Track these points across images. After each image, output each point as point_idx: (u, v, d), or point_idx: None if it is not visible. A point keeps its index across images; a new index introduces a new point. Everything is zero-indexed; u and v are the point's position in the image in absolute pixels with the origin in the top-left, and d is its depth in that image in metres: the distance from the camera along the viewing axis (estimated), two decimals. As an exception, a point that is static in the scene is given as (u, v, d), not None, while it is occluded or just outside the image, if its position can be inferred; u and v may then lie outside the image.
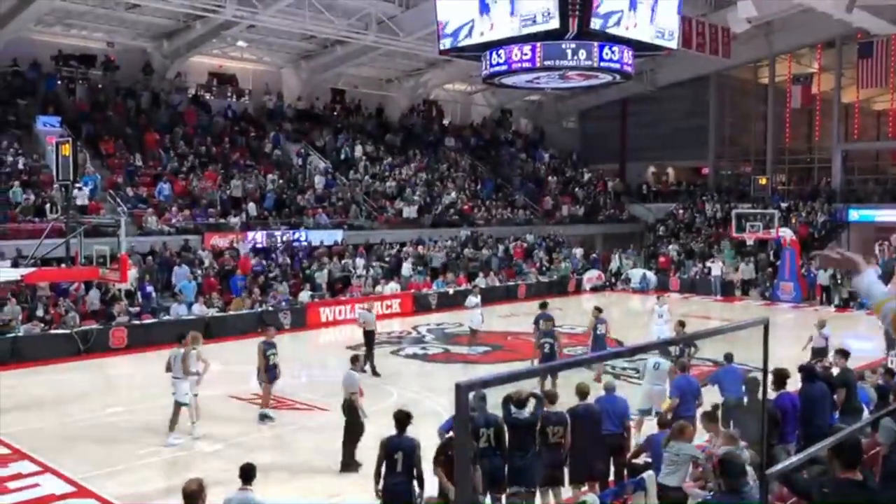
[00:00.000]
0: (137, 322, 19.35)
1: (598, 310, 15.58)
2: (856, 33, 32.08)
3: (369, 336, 16.42)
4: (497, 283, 27.83)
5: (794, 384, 8.96)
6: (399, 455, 7.38)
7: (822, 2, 25.98)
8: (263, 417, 12.56)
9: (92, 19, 26.45)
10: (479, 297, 19.26)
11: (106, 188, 24.17)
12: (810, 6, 26.99)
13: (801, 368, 8.97)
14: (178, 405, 11.60)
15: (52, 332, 18.07)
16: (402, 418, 7.66)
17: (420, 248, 28.46)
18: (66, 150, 15.21)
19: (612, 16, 17.31)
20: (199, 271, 22.57)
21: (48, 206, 21.94)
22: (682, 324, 14.16)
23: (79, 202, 20.24)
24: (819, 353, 14.13)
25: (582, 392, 8.54)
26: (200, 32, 27.05)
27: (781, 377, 8.67)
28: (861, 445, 4.71)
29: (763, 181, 34.86)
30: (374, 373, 15.83)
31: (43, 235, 16.48)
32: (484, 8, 17.98)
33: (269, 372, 12.50)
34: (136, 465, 10.47)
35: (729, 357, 10.76)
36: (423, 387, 14.53)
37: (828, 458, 4.55)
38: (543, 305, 15.71)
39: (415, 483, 7.40)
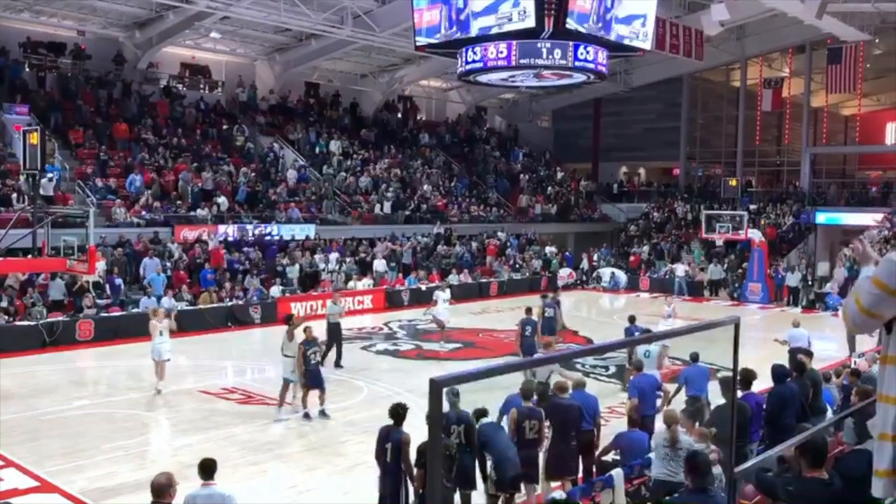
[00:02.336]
0: (104, 314, 19.10)
1: (545, 296, 17.77)
2: (826, 39, 32.57)
3: (334, 328, 16.26)
4: (470, 281, 27.88)
5: (761, 385, 9.08)
6: (388, 446, 7.46)
7: (794, 7, 26.31)
8: (322, 413, 12.32)
9: (62, 6, 25.99)
10: (447, 291, 20.07)
11: (75, 178, 23.81)
12: (782, 11, 27.35)
13: (774, 369, 9.05)
14: (286, 382, 12.32)
15: (17, 323, 17.76)
16: (399, 412, 7.62)
17: (391, 244, 28.41)
18: (34, 138, 14.96)
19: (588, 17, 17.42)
20: (169, 264, 22.33)
21: (14, 195, 21.55)
22: (631, 319, 14.44)
23: (42, 192, 19.84)
24: (797, 353, 14.28)
25: (562, 388, 8.60)
26: (173, 23, 26.68)
27: (747, 378, 8.77)
28: (827, 445, 4.79)
29: (733, 183, 35.29)
30: (338, 364, 15.86)
31: (9, 225, 16.20)
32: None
33: (308, 373, 12.17)
34: (102, 459, 10.33)
35: (695, 356, 10.88)
36: (393, 383, 14.50)
37: (794, 457, 4.62)
38: (545, 297, 17.68)
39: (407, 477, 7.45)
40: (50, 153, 21.13)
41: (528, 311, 15.71)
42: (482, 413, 7.97)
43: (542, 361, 4.35)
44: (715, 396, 9.78)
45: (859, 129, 37.72)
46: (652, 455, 7.45)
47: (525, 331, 15.20)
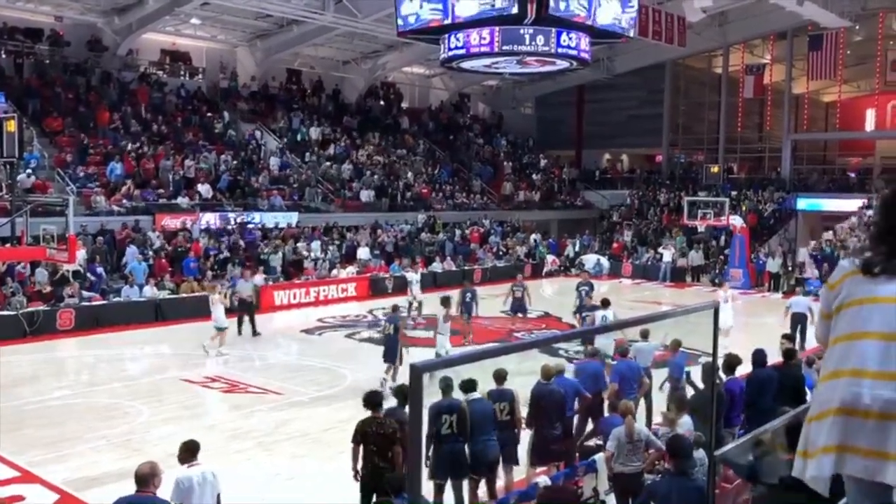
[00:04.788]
0: (86, 304, 18.95)
1: (516, 279, 19.99)
2: (807, 26, 32.73)
3: (244, 304, 17.96)
4: (454, 268, 27.89)
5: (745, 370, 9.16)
6: None
7: (775, -7, 26.44)
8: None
9: (39, -9, 25.65)
10: (417, 273, 21.62)
11: (54, 166, 23.55)
12: (763, -3, 27.47)
13: (754, 354, 9.14)
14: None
15: (-3, 313, 17.61)
16: (405, 392, 7.67)
17: (379, 231, 28.41)
18: (11, 126, 14.73)
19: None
20: (150, 252, 22.15)
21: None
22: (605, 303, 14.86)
23: (21, 187, 19.55)
24: (799, 318, 15.54)
25: (546, 373, 8.63)
26: (153, 8, 26.39)
27: (731, 364, 8.85)
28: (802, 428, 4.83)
29: (715, 169, 35.51)
30: (255, 333, 17.93)
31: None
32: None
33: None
34: (85, 448, 10.29)
35: (676, 344, 10.81)
36: (378, 370, 14.49)
37: (771, 440, 4.67)
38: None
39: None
40: (28, 141, 20.85)
41: (469, 282, 18.26)
42: (470, 385, 7.92)
43: (522, 347, 4.36)
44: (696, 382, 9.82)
45: (840, 116, 37.97)
46: (612, 446, 7.48)
47: (465, 297, 17.65)
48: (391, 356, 13.10)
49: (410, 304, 19.94)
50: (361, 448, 7.26)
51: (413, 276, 20.87)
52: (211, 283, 17.92)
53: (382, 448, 7.14)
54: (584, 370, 9.97)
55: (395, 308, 14.10)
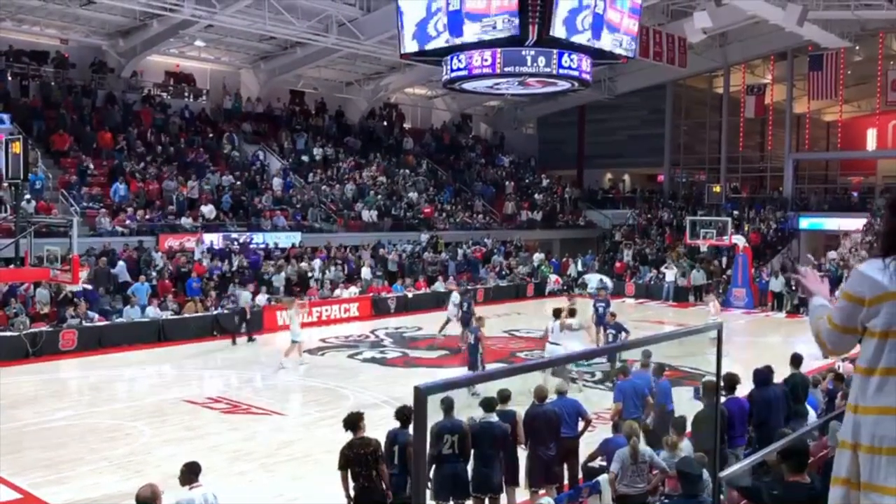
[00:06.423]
0: (88, 324, 18.94)
1: (571, 308, 16.71)
2: (807, 46, 32.89)
3: (242, 313, 19.97)
4: (454, 288, 27.80)
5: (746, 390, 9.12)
6: (395, 448, 7.51)
7: (775, 14, 26.56)
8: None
9: (44, 15, 25.86)
10: (455, 294, 21.07)
11: (58, 188, 23.65)
12: (763, 18, 27.60)
13: (756, 372, 9.11)
14: None
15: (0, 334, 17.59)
16: (407, 414, 7.58)
17: (381, 251, 28.44)
18: (17, 147, 14.80)
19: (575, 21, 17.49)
20: (154, 273, 22.17)
21: (-3, 205, 21.33)
22: (613, 315, 15.05)
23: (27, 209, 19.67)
24: None
25: (540, 395, 8.59)
26: (157, 31, 26.63)
27: (731, 383, 8.81)
28: (808, 449, 4.83)
29: (717, 189, 35.54)
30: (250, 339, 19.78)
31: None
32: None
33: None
34: (86, 470, 10.24)
35: (660, 368, 10.71)
36: (380, 391, 14.48)
37: (776, 462, 4.66)
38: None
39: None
40: (33, 162, 20.95)
41: (464, 291, 20.37)
42: (490, 404, 7.90)
43: (529, 368, 4.31)
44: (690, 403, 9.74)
45: (841, 135, 38.07)
46: (616, 468, 7.44)
47: (463, 307, 18.48)
48: (473, 365, 13.80)
49: (448, 321, 20.03)
50: (349, 472, 7.24)
51: (455, 296, 20.39)
52: (289, 299, 19.40)
53: (365, 468, 7.13)
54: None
55: (479, 319, 14.70)
